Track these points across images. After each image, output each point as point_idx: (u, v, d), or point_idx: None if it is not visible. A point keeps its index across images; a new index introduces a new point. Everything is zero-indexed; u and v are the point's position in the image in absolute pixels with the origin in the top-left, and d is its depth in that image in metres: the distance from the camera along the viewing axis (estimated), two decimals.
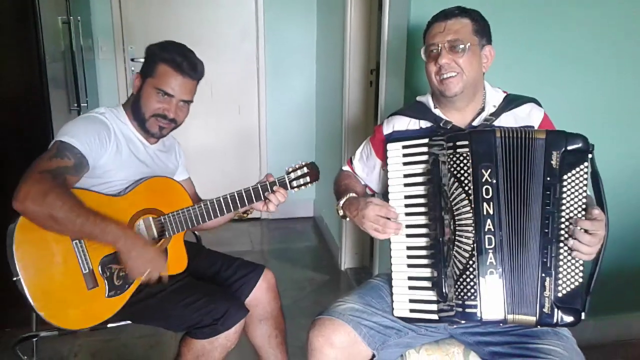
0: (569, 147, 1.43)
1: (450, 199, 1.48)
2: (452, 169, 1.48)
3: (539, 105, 1.70)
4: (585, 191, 1.43)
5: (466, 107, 1.67)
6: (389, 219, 1.57)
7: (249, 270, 1.98)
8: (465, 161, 1.47)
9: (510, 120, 1.65)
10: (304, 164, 1.89)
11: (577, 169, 1.42)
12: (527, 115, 1.67)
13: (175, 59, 1.77)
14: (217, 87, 3.93)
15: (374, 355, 1.61)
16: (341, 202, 1.70)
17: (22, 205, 1.51)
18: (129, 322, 1.83)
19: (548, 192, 1.43)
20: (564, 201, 1.43)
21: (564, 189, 1.43)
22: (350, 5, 3.11)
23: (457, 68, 1.58)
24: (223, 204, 1.82)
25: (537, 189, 1.44)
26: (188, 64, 1.79)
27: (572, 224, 1.41)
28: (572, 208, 1.42)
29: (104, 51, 3.84)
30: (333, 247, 3.74)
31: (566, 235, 1.42)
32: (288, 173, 1.87)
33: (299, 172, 1.88)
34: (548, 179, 1.43)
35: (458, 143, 1.48)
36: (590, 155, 1.44)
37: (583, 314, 1.43)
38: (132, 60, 3.88)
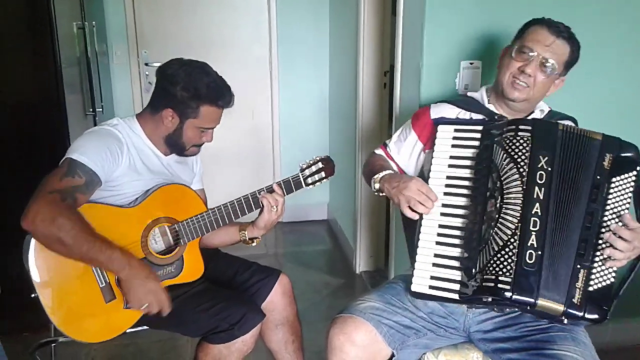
0: (622, 154, 1.49)
1: (502, 178, 1.49)
2: (510, 150, 1.50)
3: (576, 124, 1.75)
4: (629, 197, 1.47)
5: (516, 114, 1.71)
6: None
7: (265, 275, 1.97)
8: (525, 144, 1.50)
9: None
10: (318, 158, 1.84)
11: (626, 175, 1.48)
12: None
13: (218, 100, 1.76)
14: None
15: (392, 355, 1.61)
16: (382, 174, 1.71)
17: (32, 226, 1.50)
18: (145, 327, 1.83)
19: (596, 190, 1.47)
20: (609, 201, 1.47)
21: (611, 190, 1.47)
22: (363, 7, 3.10)
23: (531, 82, 1.61)
24: (237, 207, 1.80)
25: (586, 185, 1.47)
26: (228, 100, 1.79)
27: (612, 231, 1.44)
28: (615, 210, 1.46)
29: (119, 56, 3.85)
30: (348, 250, 3.72)
31: (606, 233, 1.45)
32: (302, 170, 1.83)
33: (313, 168, 1.83)
34: (598, 177, 1.48)
35: (521, 127, 1.52)
36: (639, 168, 1.48)
37: (608, 314, 1.44)
38: (147, 64, 3.89)
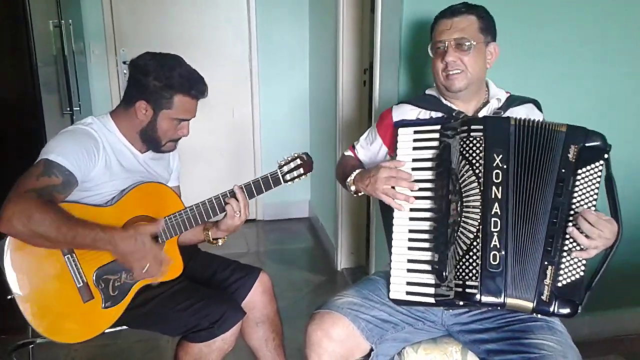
0: (587, 144, 1.47)
1: (460, 181, 1.49)
2: (464, 152, 1.50)
3: (539, 107, 1.76)
4: (597, 188, 1.45)
5: (471, 100, 1.72)
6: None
7: (245, 273, 1.96)
8: (478, 145, 1.49)
9: (522, 114, 1.68)
10: (296, 155, 1.84)
11: (592, 166, 1.45)
12: (530, 113, 1.72)
13: (191, 89, 1.75)
14: (210, 90, 3.84)
15: (371, 350, 1.62)
16: (352, 176, 1.72)
17: (8, 227, 1.48)
18: (125, 327, 1.82)
19: (561, 184, 1.46)
20: (575, 194, 1.45)
21: (577, 183, 1.46)
22: (342, 5, 3.11)
23: (462, 66, 1.63)
24: (215, 204, 1.79)
25: (550, 179, 1.47)
26: (202, 90, 1.78)
27: (578, 213, 1.43)
28: (582, 202, 1.45)
29: (96, 54, 3.82)
30: (329, 247, 3.73)
31: (573, 216, 1.44)
32: (281, 167, 1.82)
33: (292, 164, 1.82)
34: (563, 170, 1.46)
35: (473, 127, 1.51)
36: (606, 155, 1.46)
37: (580, 308, 1.44)
38: (124, 63, 3.85)
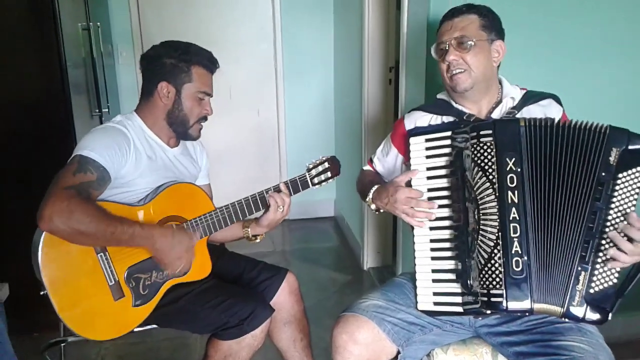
0: (630, 147, 1.40)
1: (474, 189, 1.47)
2: (476, 158, 1.48)
3: (559, 102, 1.71)
4: (637, 193, 1.39)
5: (481, 100, 1.68)
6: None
7: (272, 274, 1.97)
8: (489, 150, 1.46)
9: (537, 112, 1.64)
10: (324, 158, 1.87)
11: (634, 170, 1.39)
12: (548, 109, 1.67)
13: (205, 59, 1.80)
14: (235, 89, 3.93)
15: (398, 352, 1.61)
16: (370, 194, 1.71)
17: (49, 225, 1.49)
18: (155, 325, 1.84)
19: (600, 188, 1.40)
20: (614, 199, 1.39)
21: (617, 187, 1.39)
22: (367, 3, 3.09)
23: (464, 65, 1.61)
24: (245, 206, 1.81)
25: (586, 182, 1.41)
26: (214, 61, 1.83)
27: (617, 230, 1.38)
28: (621, 208, 1.39)
29: (124, 56, 3.87)
30: (355, 246, 3.72)
31: (610, 233, 1.39)
32: (309, 170, 1.85)
33: (320, 168, 1.85)
34: (603, 174, 1.40)
35: (482, 132, 1.48)
36: None
37: (610, 315, 1.41)
38: None
